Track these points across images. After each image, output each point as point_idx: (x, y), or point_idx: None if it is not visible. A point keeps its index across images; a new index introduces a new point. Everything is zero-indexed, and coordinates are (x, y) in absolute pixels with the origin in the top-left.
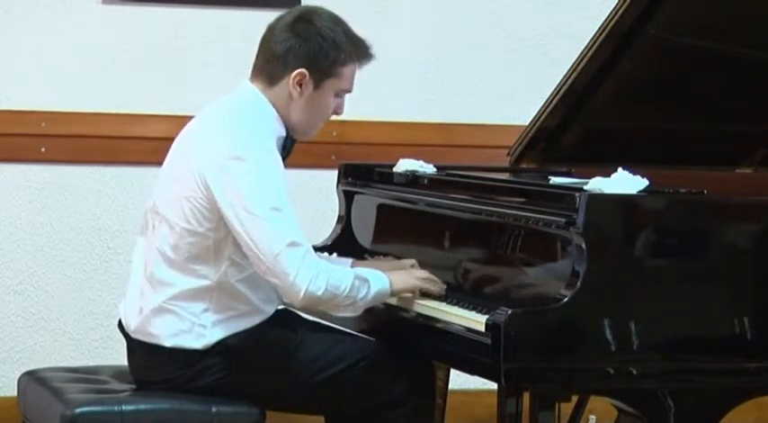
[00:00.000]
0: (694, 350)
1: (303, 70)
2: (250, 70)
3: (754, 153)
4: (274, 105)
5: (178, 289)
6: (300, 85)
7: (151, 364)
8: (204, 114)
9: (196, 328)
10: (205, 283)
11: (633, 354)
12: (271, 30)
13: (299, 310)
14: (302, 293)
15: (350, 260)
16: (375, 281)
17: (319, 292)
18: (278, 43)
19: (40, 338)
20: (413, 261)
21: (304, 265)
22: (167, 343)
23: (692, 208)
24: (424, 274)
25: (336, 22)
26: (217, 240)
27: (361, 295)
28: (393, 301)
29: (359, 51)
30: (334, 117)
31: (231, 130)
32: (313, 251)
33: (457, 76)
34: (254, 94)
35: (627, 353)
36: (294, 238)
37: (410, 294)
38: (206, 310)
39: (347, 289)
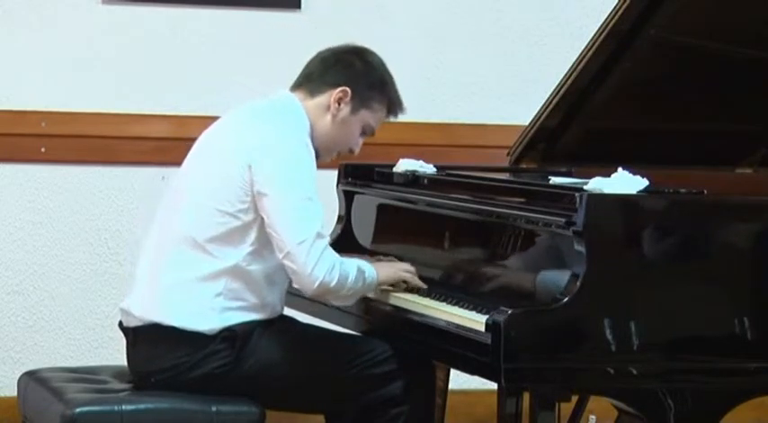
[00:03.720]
0: (694, 350)
1: (347, 89)
2: (291, 84)
3: (754, 153)
4: (308, 116)
5: (194, 271)
6: (339, 103)
7: (156, 351)
8: (241, 111)
9: (207, 312)
10: (221, 266)
11: (633, 354)
12: (321, 53)
13: (309, 296)
14: (317, 283)
15: None
16: (368, 272)
17: (332, 284)
18: (328, 63)
19: (40, 338)
20: (391, 257)
21: (323, 257)
22: (176, 323)
23: (692, 208)
24: (406, 266)
25: (386, 68)
26: (245, 223)
27: (359, 285)
28: (396, 301)
29: (396, 102)
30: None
31: (274, 121)
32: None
33: (457, 76)
34: (293, 100)
35: (627, 353)
36: (320, 229)
37: (391, 287)
38: (218, 295)
39: (352, 281)
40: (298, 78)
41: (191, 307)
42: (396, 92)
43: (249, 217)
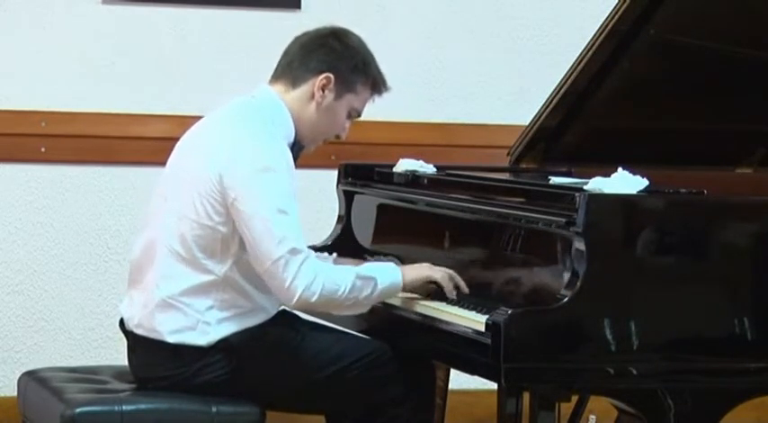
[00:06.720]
0: (694, 350)
1: (330, 75)
2: (270, 75)
3: (754, 153)
4: (290, 109)
5: (184, 284)
6: (323, 90)
7: (153, 360)
8: (221, 113)
9: (201, 326)
10: (211, 278)
11: (633, 354)
12: (300, 39)
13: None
14: (295, 299)
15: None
16: (383, 276)
17: (313, 299)
18: (308, 49)
19: (40, 338)
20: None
21: (301, 273)
22: (171, 339)
23: (692, 208)
24: (440, 268)
25: (366, 47)
26: (225, 235)
27: (364, 294)
28: (396, 301)
29: (380, 80)
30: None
31: (248, 129)
32: (314, 255)
33: (457, 76)
34: (272, 97)
35: (627, 353)
36: (295, 244)
37: (417, 294)
38: (211, 308)
39: (346, 291)
40: (278, 67)
41: (184, 322)
42: (378, 71)
43: (228, 228)
